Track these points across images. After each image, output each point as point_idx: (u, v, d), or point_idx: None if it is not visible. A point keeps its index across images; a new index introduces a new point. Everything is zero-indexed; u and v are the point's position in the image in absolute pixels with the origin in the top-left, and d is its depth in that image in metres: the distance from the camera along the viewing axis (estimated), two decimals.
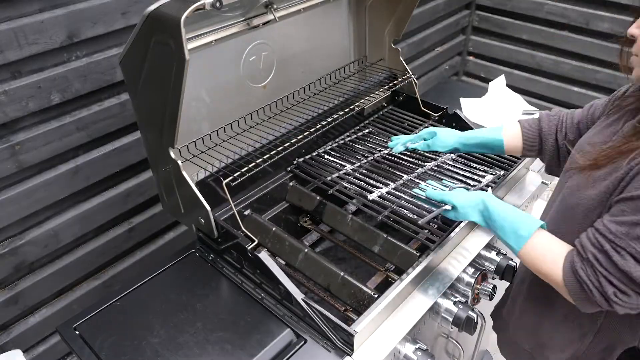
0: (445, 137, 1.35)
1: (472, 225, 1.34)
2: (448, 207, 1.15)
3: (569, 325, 1.11)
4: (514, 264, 1.28)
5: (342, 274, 1.19)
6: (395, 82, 1.67)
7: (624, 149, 0.92)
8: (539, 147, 1.27)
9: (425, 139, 1.39)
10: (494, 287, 1.28)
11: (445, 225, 1.30)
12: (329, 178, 1.43)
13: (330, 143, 1.61)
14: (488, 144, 1.32)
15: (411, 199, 1.29)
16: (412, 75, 1.69)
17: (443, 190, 1.23)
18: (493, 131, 1.32)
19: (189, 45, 1.15)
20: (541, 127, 1.26)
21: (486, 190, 1.33)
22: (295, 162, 1.54)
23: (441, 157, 1.50)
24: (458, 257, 1.27)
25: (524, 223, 1.00)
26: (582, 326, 1.09)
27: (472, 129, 1.61)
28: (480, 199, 1.09)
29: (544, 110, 1.32)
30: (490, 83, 2.34)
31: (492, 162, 1.49)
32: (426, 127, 1.50)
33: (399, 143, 1.44)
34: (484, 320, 1.24)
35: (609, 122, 1.04)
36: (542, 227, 1.01)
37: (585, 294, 0.92)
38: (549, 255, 0.98)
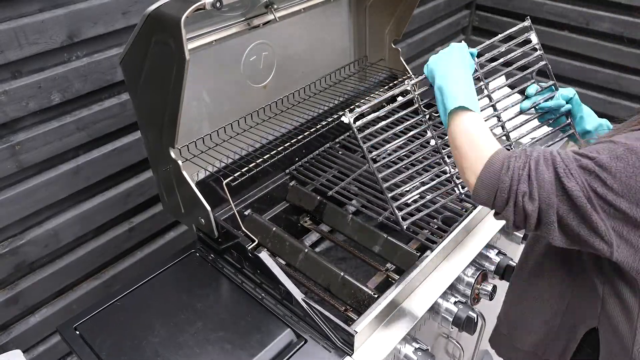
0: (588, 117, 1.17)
1: (472, 225, 1.34)
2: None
3: (543, 304, 1.10)
4: (514, 265, 1.28)
5: (342, 274, 1.19)
6: (395, 82, 1.67)
7: None
8: None
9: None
10: (494, 287, 1.28)
11: (446, 225, 1.30)
12: (332, 174, 1.43)
13: (330, 143, 1.61)
14: None
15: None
16: (413, 75, 1.69)
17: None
18: None
19: (189, 45, 1.15)
20: None
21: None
22: (294, 167, 1.53)
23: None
24: (458, 257, 1.27)
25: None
26: (552, 305, 1.09)
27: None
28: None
29: None
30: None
31: None
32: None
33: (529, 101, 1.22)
34: (484, 320, 1.24)
35: None
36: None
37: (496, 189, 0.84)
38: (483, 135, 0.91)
